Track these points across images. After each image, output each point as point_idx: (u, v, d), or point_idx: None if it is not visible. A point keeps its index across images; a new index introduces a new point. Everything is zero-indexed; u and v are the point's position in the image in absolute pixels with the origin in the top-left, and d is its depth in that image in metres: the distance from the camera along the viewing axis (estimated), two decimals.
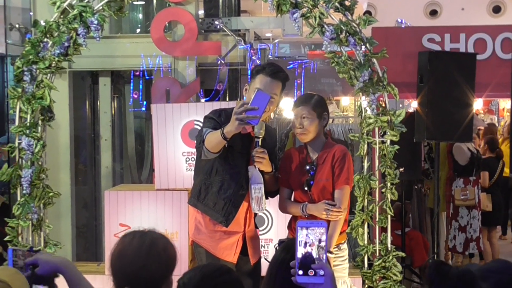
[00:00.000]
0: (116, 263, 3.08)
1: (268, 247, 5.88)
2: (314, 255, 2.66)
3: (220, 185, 4.60)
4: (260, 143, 4.49)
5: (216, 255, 4.65)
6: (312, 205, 4.72)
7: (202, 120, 4.82)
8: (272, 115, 12.26)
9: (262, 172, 4.55)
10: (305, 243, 2.68)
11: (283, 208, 4.93)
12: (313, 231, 2.67)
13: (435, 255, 7.46)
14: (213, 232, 4.65)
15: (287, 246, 2.99)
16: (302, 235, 2.68)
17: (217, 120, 4.54)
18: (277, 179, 4.83)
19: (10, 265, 3.74)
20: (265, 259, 5.27)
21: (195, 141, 4.65)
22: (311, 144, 4.89)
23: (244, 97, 4.64)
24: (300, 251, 2.67)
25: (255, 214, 4.81)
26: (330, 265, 2.78)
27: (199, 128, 4.85)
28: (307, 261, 2.65)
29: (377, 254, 5.70)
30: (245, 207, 4.66)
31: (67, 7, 5.94)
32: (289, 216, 4.99)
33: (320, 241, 2.68)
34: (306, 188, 4.78)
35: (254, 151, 4.47)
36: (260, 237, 5.29)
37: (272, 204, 5.69)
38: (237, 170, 4.59)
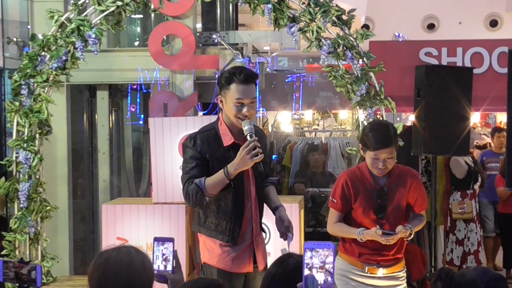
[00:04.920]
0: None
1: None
2: (320, 277, 2.67)
3: (217, 205, 4.54)
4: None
5: (231, 271, 4.58)
6: (367, 231, 4.66)
7: None
8: (269, 128, 12.29)
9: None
10: (310, 265, 2.69)
11: (334, 231, 4.89)
12: (317, 253, 2.68)
13: (433, 269, 7.45)
14: (224, 250, 4.58)
15: (280, 261, 3.00)
16: (307, 257, 2.69)
17: (193, 149, 4.51)
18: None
19: (0, 277, 3.72)
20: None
21: (181, 179, 4.56)
22: None
23: (218, 108, 4.64)
24: (306, 273, 2.68)
25: (261, 219, 4.78)
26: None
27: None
28: (311, 284, 2.66)
29: None
30: (247, 217, 4.61)
31: (65, 21, 5.98)
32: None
33: (325, 263, 2.68)
34: (377, 215, 4.71)
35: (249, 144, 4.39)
36: None
37: (270, 218, 5.68)
38: (230, 185, 4.51)
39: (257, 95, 4.69)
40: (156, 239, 3.44)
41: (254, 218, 4.64)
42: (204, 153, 4.50)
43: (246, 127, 4.45)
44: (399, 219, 4.72)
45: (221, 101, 4.58)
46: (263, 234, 4.85)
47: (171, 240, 3.43)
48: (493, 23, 16.17)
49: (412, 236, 4.73)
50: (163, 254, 3.39)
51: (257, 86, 4.71)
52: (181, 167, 4.66)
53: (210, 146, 4.53)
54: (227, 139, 4.55)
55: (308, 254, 2.70)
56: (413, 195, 4.80)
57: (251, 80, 4.53)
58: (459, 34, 14.00)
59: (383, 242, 4.63)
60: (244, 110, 4.47)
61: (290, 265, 2.89)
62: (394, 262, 4.84)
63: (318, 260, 2.69)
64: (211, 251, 4.61)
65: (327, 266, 2.68)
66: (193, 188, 4.43)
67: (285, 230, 4.66)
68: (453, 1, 16.14)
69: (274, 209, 4.78)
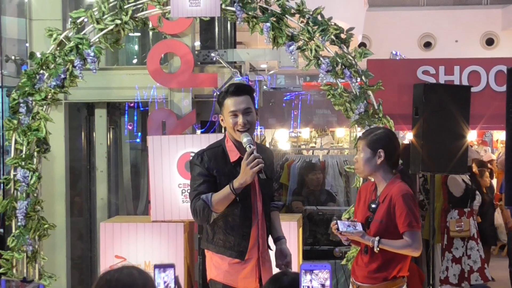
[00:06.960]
0: None
1: None
2: None
3: (225, 221, 4.55)
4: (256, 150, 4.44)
5: (237, 287, 4.58)
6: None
7: None
8: (267, 146, 12.29)
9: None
10: None
11: None
12: (316, 276, 2.68)
13: (431, 287, 7.43)
14: (231, 266, 4.58)
15: (274, 278, 3.02)
16: (306, 280, 2.69)
17: (200, 166, 4.54)
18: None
19: None
20: None
21: (189, 195, 4.60)
22: (376, 180, 4.81)
23: (218, 126, 4.71)
24: None
25: (268, 236, 4.76)
26: None
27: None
28: None
29: None
30: (254, 233, 4.61)
31: (63, 39, 5.98)
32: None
33: (324, 285, 2.69)
34: (365, 227, 4.68)
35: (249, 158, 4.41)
36: None
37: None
38: (237, 201, 4.52)
39: (255, 106, 4.69)
40: (157, 266, 3.44)
41: (261, 235, 4.65)
42: (211, 170, 4.53)
43: (244, 139, 4.49)
44: (380, 234, 4.64)
45: (222, 120, 4.62)
46: (269, 251, 4.84)
47: (172, 266, 3.43)
48: (489, 42, 16.24)
49: (376, 249, 4.59)
50: (165, 281, 3.39)
51: (256, 100, 4.73)
52: (189, 185, 4.69)
53: (218, 162, 4.55)
54: (234, 155, 4.58)
55: (308, 277, 2.70)
56: (394, 212, 4.66)
57: (242, 92, 4.57)
58: (456, 52, 14.06)
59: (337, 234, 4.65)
60: (239, 121, 4.50)
61: (285, 282, 2.90)
62: (373, 282, 4.71)
63: (318, 283, 2.69)
64: (218, 267, 4.61)
65: None
66: (200, 204, 4.45)
67: (283, 264, 4.67)
68: (449, 20, 16.22)
69: (276, 239, 4.80)
